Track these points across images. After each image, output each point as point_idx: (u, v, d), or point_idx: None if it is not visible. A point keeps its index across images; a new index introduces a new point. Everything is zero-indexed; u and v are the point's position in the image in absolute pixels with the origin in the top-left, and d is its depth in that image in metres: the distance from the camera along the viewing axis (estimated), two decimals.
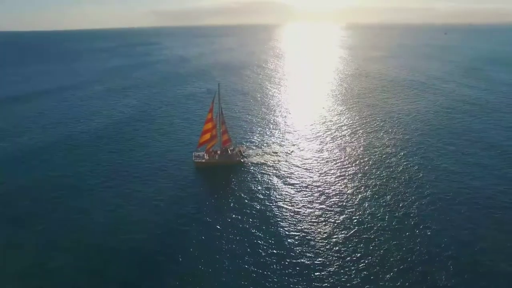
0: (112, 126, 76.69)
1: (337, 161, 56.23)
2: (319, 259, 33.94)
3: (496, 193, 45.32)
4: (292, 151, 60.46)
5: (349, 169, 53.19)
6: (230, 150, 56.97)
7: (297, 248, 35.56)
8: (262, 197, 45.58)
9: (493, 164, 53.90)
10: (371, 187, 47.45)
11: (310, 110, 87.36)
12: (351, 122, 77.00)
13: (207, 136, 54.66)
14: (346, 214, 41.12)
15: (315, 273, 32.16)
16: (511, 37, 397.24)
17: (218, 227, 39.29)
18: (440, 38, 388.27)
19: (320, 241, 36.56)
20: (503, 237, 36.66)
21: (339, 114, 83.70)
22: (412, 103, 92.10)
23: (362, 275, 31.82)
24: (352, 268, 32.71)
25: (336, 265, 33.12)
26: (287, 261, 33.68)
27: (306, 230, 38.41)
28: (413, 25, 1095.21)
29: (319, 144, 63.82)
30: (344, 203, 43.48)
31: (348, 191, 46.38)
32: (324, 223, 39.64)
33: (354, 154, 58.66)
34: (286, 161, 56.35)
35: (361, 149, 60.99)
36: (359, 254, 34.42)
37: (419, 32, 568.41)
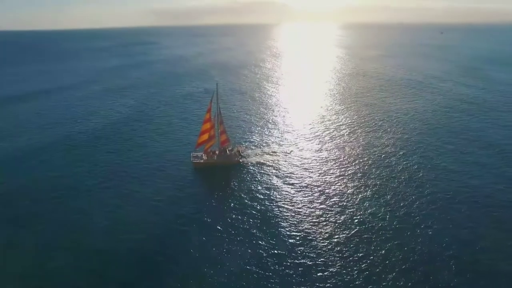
0: (110, 126, 76.28)
1: (337, 160, 56.15)
2: (321, 259, 33.81)
3: (495, 191, 45.51)
4: (291, 151, 60.30)
5: (348, 168, 53.12)
6: (228, 150, 56.71)
7: (299, 248, 35.41)
8: (261, 197, 45.39)
9: (491, 163, 54.09)
10: (371, 186, 47.39)
11: (309, 110, 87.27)
12: (349, 121, 76.96)
13: (206, 136, 54.29)
14: (347, 214, 41.04)
15: (317, 274, 32.02)
16: (511, 37, 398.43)
17: (218, 227, 39.07)
18: (437, 38, 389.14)
19: (321, 241, 36.43)
20: (502, 235, 36.79)
21: (338, 113, 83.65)
22: (410, 102, 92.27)
23: (364, 275, 31.73)
24: (354, 268, 32.59)
25: (338, 265, 33.00)
26: (288, 262, 33.50)
27: (307, 230, 38.26)
28: (413, 25, 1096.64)
29: (318, 144, 63.71)
30: (345, 203, 43.39)
31: (348, 191, 46.30)
32: (325, 223, 39.52)
33: (354, 154, 58.60)
34: (285, 161, 56.18)
35: (360, 148, 60.95)
36: (361, 254, 34.33)
37: (418, 32, 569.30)
